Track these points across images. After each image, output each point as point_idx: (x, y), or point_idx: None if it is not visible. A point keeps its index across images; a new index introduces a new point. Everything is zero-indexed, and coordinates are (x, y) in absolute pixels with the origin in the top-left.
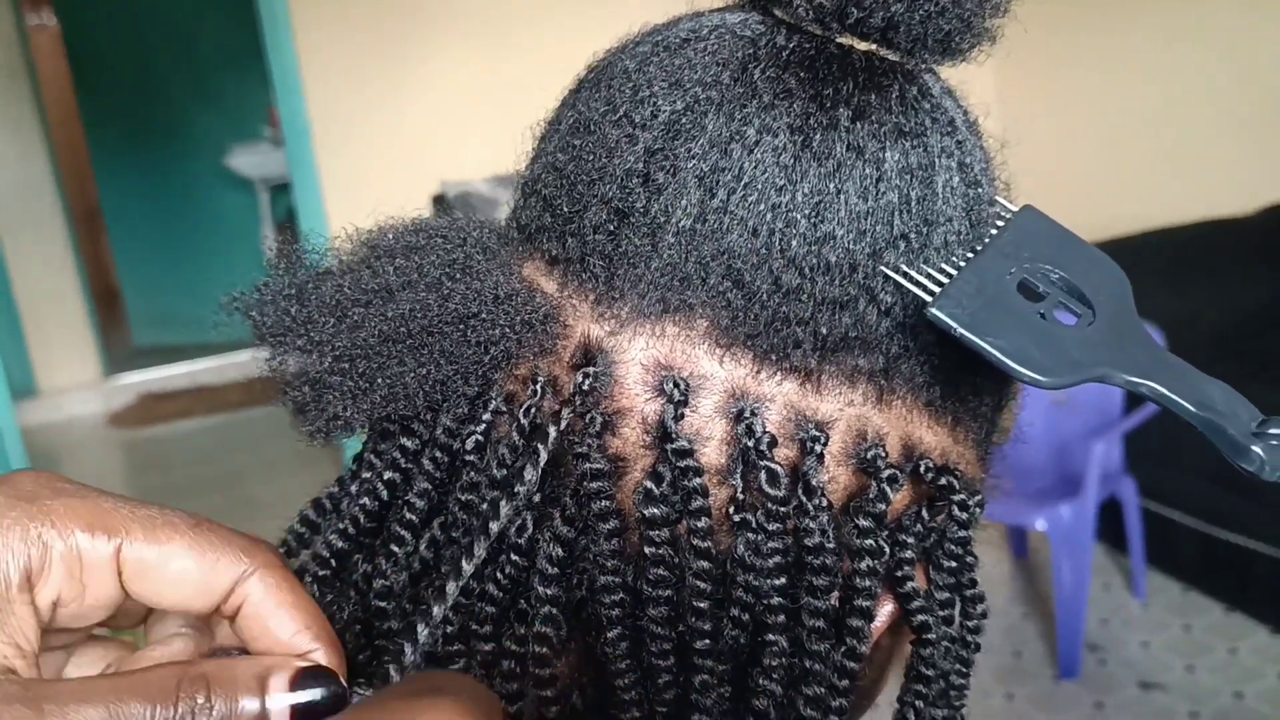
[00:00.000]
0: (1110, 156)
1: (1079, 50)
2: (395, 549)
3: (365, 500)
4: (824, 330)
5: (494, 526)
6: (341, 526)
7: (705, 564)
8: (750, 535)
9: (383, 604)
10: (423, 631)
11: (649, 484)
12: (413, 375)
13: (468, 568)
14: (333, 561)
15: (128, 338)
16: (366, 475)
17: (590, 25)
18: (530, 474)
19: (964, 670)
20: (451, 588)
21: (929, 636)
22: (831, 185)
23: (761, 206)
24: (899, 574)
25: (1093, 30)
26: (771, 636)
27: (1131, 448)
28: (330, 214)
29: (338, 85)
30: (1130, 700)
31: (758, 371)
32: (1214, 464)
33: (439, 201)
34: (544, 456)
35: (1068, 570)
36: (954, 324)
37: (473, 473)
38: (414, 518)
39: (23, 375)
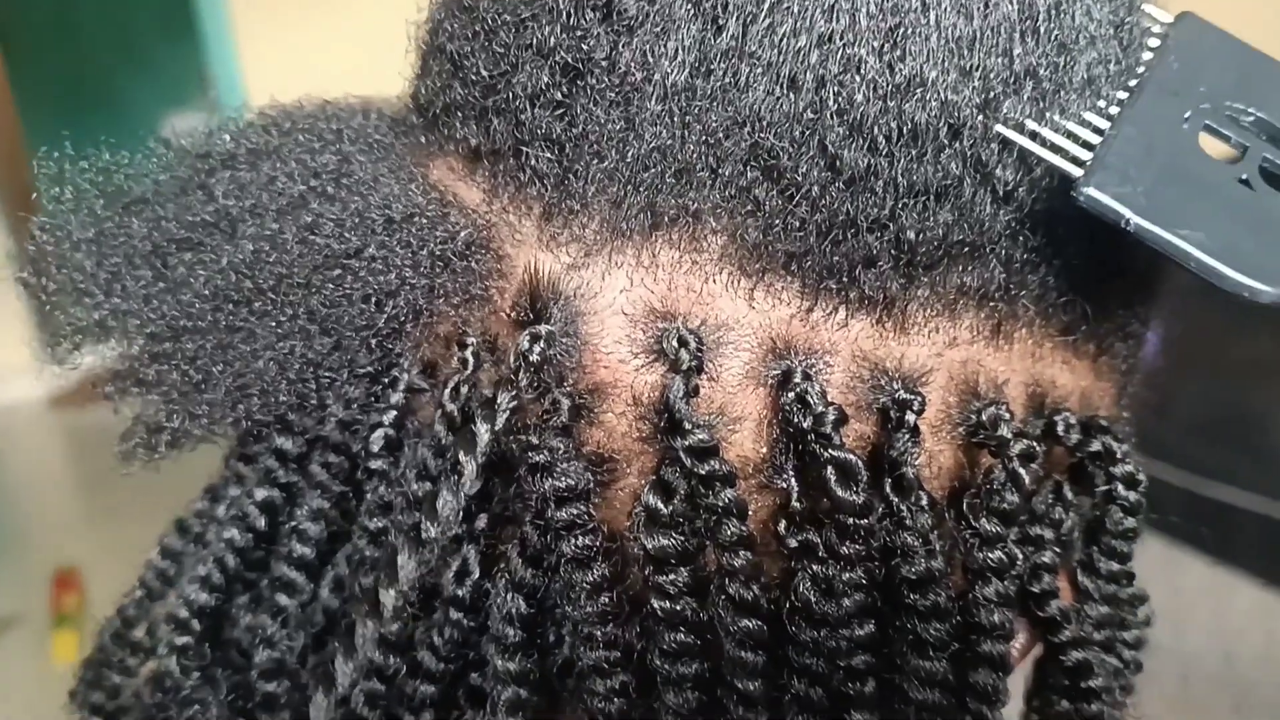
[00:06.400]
0: None
1: None
2: (285, 600)
3: (233, 532)
4: (911, 235)
5: (405, 563)
6: (203, 572)
7: (751, 623)
8: (817, 568)
9: (270, 686)
10: (322, 705)
11: (653, 500)
12: (270, 356)
13: (388, 601)
14: (194, 623)
15: None
16: (234, 493)
17: None
18: (469, 466)
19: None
20: (370, 629)
21: (1094, 685)
22: None
23: (801, 41)
24: (1036, 590)
25: None
26: (860, 716)
27: None
28: None
29: (270, 42)
30: None
31: (808, 309)
32: (1198, 417)
33: None
34: (484, 440)
35: None
36: (1125, 211)
37: (383, 485)
38: (307, 552)
39: None
